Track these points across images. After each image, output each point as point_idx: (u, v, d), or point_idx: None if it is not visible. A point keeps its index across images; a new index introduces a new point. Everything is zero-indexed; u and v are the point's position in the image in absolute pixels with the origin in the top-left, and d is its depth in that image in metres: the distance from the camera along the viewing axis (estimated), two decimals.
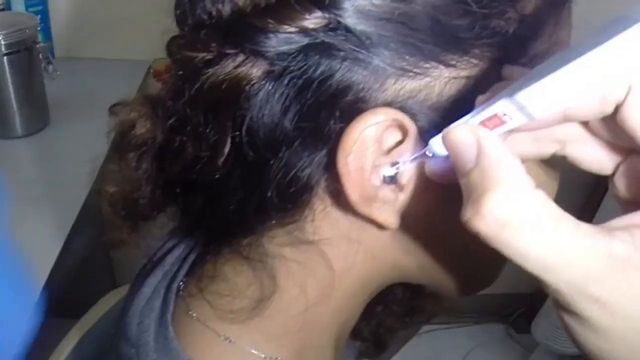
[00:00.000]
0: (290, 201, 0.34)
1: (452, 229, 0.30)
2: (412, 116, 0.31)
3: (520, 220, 0.24)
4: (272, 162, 0.32)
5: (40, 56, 1.20)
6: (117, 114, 0.38)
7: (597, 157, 0.30)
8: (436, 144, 0.29)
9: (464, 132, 0.27)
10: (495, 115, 0.27)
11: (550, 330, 1.68)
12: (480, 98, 0.29)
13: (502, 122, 0.27)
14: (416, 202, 0.34)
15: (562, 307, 0.26)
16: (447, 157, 0.28)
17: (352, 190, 0.32)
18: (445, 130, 0.27)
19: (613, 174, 0.30)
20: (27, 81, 1.17)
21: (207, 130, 0.33)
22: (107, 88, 1.20)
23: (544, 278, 0.25)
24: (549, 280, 0.25)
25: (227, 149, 0.33)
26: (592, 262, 0.24)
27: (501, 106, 0.27)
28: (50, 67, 1.30)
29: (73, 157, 1.12)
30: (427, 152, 0.30)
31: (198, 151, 0.34)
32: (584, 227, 0.25)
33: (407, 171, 0.32)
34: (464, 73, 0.31)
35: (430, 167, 0.31)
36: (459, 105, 0.31)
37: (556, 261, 0.25)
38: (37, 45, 1.17)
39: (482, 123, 0.28)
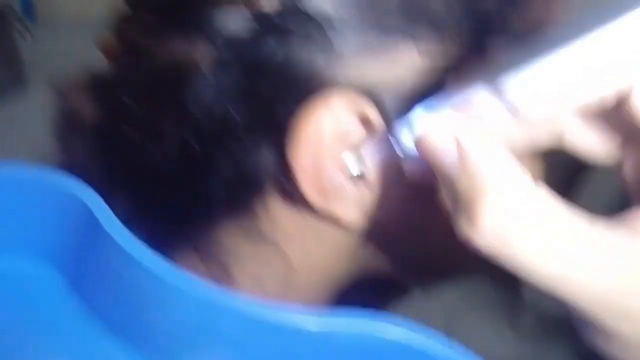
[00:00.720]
0: (239, 196, 0.31)
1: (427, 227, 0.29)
2: (377, 102, 0.28)
3: (524, 230, 0.21)
4: (218, 154, 0.29)
5: (15, 21, 1.17)
6: (60, 92, 0.35)
7: (600, 147, 0.27)
8: (407, 138, 0.26)
9: (440, 135, 0.24)
10: (474, 105, 0.24)
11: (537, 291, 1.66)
12: (453, 82, 0.26)
13: (482, 112, 0.24)
14: (385, 197, 0.30)
15: (586, 324, 0.23)
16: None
17: (308, 185, 0.28)
18: (418, 137, 0.25)
19: (620, 163, 0.27)
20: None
21: (150, 118, 0.30)
22: (86, 51, 1.16)
23: (562, 295, 0.22)
24: (567, 297, 0.22)
25: (171, 139, 0.30)
26: (618, 270, 0.21)
27: (481, 94, 0.24)
28: (26, 32, 1.27)
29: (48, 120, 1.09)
30: (395, 148, 0.27)
31: (142, 140, 0.31)
32: (601, 226, 0.22)
33: (374, 164, 0.29)
34: (435, 53, 0.28)
35: (404, 163, 0.28)
36: (430, 90, 0.28)
37: (574, 274, 0.21)
38: (10, 10, 1.14)
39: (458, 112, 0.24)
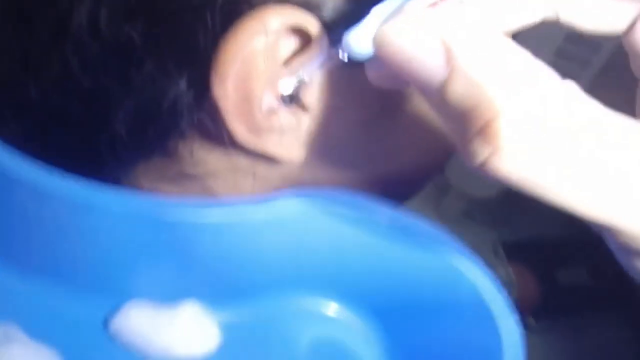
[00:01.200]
0: (151, 139, 0.26)
1: (385, 150, 0.25)
2: (316, 13, 0.23)
3: (562, 145, 0.16)
4: (115, 89, 0.24)
5: None
6: None
7: (604, 14, 0.22)
8: (357, 41, 0.21)
9: (414, 32, 0.17)
10: None
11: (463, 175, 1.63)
12: None
13: None
14: (329, 124, 0.26)
15: (626, 247, 0.19)
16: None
17: (237, 124, 0.24)
18: (379, 38, 0.18)
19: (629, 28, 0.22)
20: None
21: (24, 40, 0.24)
22: None
23: (611, 223, 0.18)
24: (618, 224, 0.18)
25: (48, 69, 0.24)
26: None
27: None
28: None
29: None
30: (340, 55, 0.22)
31: (12, 71, 0.25)
32: None
33: (313, 84, 0.24)
34: None
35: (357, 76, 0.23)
36: None
37: (631, 192, 0.17)
38: None
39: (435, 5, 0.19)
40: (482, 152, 0.17)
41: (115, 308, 0.28)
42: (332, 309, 0.29)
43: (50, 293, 0.28)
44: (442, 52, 0.17)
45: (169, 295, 0.28)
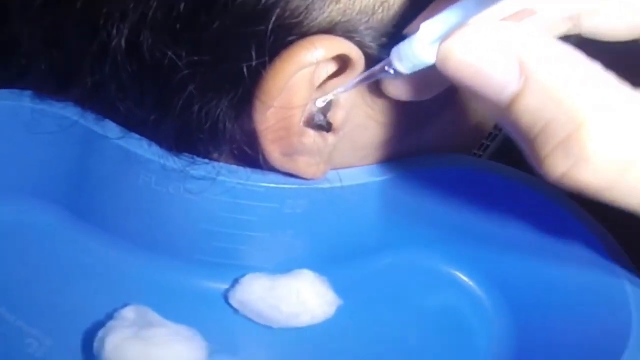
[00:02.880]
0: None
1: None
2: (361, 45, 0.23)
3: None
4: (152, 111, 0.24)
5: None
6: None
7: (627, 21, 0.22)
8: (406, 56, 0.21)
9: (491, 36, 0.17)
10: (524, 10, 0.19)
11: None
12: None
13: (531, 14, 0.19)
14: (354, 141, 0.27)
15: None
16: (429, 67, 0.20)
17: (273, 147, 0.24)
18: (445, 45, 0.17)
19: None
20: None
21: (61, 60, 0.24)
22: None
23: None
24: None
25: (83, 82, 0.24)
26: None
27: None
28: None
29: None
30: (386, 69, 0.22)
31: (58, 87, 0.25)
32: None
33: (340, 106, 0.25)
34: None
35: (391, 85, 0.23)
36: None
37: None
38: None
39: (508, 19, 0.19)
40: (563, 164, 0.17)
41: (231, 282, 0.29)
42: (450, 274, 0.30)
43: (170, 272, 0.29)
44: (515, 65, 0.17)
45: (281, 266, 0.29)
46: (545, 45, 0.17)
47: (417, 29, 0.20)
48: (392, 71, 0.21)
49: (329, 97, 0.24)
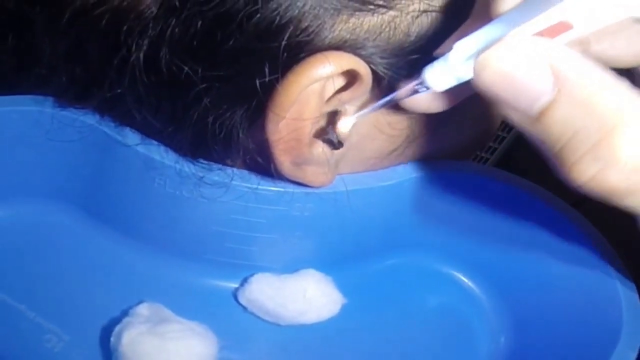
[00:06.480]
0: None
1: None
2: (368, 61, 0.24)
3: None
4: (169, 123, 0.25)
5: None
6: None
7: (634, 49, 0.23)
8: (436, 73, 0.22)
9: (527, 49, 0.18)
10: (559, 23, 0.19)
11: None
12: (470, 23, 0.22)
13: (566, 28, 0.19)
14: (361, 151, 0.28)
15: None
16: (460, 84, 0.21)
17: (284, 157, 0.25)
18: (483, 57, 0.19)
19: None
20: None
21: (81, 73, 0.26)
22: None
23: None
24: None
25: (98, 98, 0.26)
26: None
27: (566, 9, 0.19)
28: None
29: None
30: (419, 87, 0.22)
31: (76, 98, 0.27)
32: None
33: (349, 120, 0.26)
34: (437, 2, 0.24)
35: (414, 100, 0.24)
36: (430, 45, 0.23)
37: None
38: None
39: (540, 34, 0.19)
40: (593, 168, 0.18)
41: (241, 281, 0.30)
42: (451, 276, 0.31)
43: (182, 271, 0.30)
44: (549, 76, 0.18)
45: (288, 266, 0.30)
46: (578, 58, 0.18)
47: (450, 48, 0.21)
48: (424, 89, 0.22)
49: (353, 119, 0.25)
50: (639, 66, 0.24)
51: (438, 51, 0.23)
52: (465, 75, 0.20)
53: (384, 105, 0.24)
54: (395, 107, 0.25)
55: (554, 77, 0.18)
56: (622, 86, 0.18)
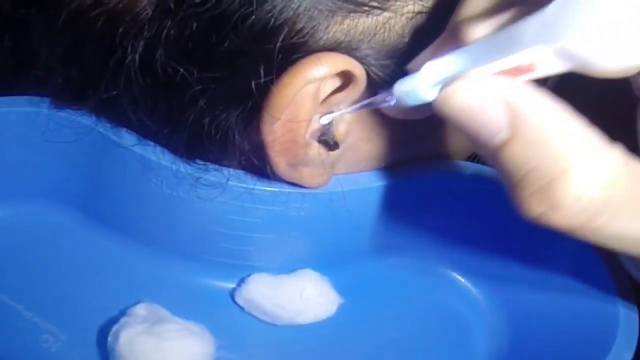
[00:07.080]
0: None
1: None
2: (363, 63, 0.24)
3: (614, 200, 0.18)
4: (164, 124, 0.26)
5: None
6: None
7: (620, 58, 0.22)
8: (408, 91, 0.22)
9: (489, 88, 0.18)
10: (527, 65, 0.18)
11: None
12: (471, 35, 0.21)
13: (530, 70, 0.19)
14: (356, 152, 0.28)
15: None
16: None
17: (279, 158, 0.25)
18: (446, 91, 0.19)
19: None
20: None
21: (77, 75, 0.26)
22: None
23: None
24: None
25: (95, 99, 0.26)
26: None
27: (536, 53, 0.18)
28: None
29: None
30: (391, 99, 0.22)
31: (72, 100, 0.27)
32: None
33: (344, 120, 0.26)
34: (431, 4, 0.24)
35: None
36: (424, 47, 0.23)
37: None
38: None
39: (504, 73, 0.19)
40: (539, 207, 0.18)
41: (238, 281, 0.30)
42: (448, 275, 0.31)
43: (179, 272, 0.30)
44: (506, 115, 0.18)
45: (285, 266, 0.30)
46: (536, 99, 0.18)
47: (419, 67, 0.21)
48: (392, 103, 0.22)
49: (333, 115, 0.25)
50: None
51: (410, 66, 0.23)
52: (431, 98, 0.21)
53: (360, 109, 0.25)
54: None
55: (510, 117, 0.18)
56: (579, 128, 0.18)
